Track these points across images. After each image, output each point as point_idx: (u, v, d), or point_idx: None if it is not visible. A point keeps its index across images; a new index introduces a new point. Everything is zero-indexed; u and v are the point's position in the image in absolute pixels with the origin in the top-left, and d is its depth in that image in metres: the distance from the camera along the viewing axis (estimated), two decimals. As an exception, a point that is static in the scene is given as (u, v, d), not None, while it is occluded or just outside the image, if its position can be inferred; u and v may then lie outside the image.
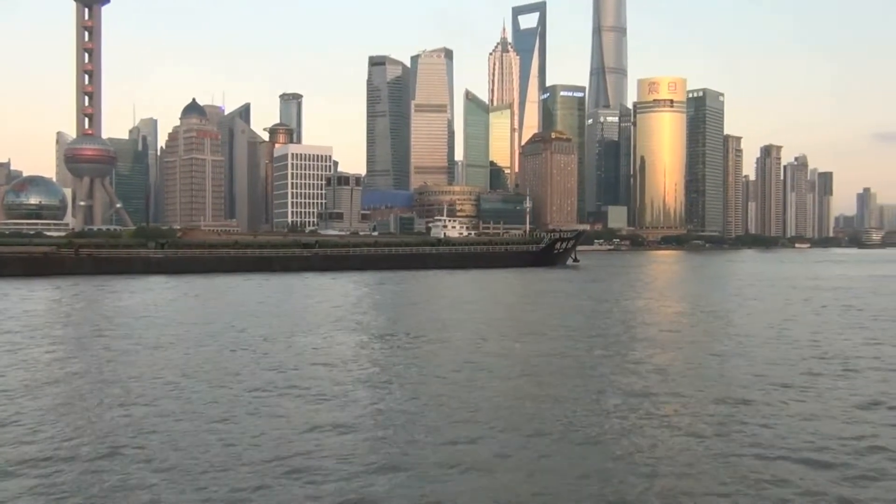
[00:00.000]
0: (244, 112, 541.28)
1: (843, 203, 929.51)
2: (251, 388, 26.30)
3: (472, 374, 29.25)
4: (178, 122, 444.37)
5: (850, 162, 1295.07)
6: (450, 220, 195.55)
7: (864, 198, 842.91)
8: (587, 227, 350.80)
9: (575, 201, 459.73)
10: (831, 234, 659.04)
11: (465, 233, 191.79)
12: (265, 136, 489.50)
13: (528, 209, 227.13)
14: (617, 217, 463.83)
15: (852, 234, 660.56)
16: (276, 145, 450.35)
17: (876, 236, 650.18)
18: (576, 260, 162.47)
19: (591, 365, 31.53)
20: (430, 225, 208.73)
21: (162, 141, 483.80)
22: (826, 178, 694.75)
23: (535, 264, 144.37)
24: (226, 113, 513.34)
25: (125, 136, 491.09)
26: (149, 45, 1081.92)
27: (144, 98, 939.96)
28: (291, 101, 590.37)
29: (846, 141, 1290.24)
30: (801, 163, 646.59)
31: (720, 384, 27.09)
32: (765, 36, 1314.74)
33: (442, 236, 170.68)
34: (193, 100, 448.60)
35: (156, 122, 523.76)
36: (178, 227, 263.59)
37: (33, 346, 36.46)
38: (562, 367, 31.05)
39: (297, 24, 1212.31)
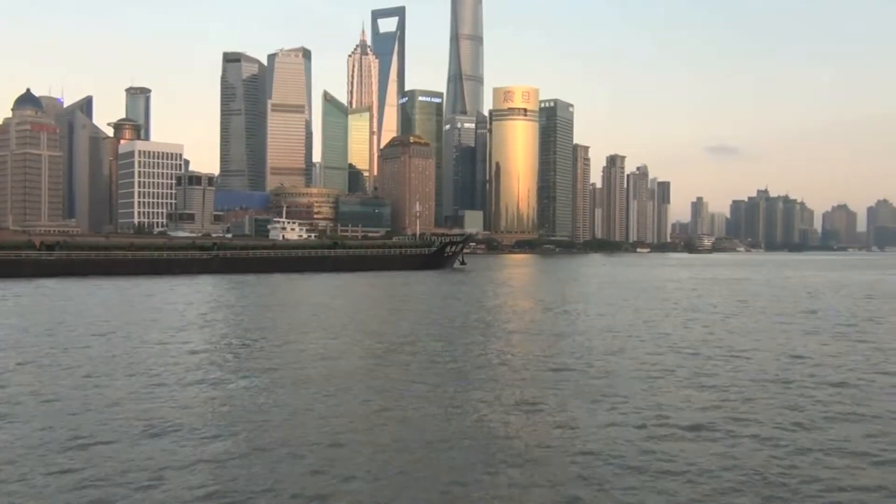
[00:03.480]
0: (86, 105, 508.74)
1: (678, 210, 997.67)
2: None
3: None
4: (9, 114, 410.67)
5: (686, 172, 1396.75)
6: (288, 223, 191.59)
7: (698, 206, 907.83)
8: (474, 231, 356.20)
9: (433, 205, 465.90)
10: (668, 240, 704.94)
11: (305, 235, 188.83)
12: (109, 132, 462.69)
13: (417, 214, 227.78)
14: (473, 221, 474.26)
15: (687, 240, 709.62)
16: (122, 141, 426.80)
17: (707, 242, 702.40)
18: (463, 263, 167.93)
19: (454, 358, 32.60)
20: (269, 227, 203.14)
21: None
22: (664, 187, 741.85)
23: (426, 267, 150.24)
24: (65, 106, 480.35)
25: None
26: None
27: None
28: (139, 96, 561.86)
29: (682, 153, 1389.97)
30: (642, 172, 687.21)
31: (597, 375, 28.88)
32: (611, 52, 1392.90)
33: (280, 238, 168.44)
34: (28, 90, 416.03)
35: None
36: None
37: None
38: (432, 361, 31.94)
39: (146, 14, 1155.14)
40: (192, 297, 75.24)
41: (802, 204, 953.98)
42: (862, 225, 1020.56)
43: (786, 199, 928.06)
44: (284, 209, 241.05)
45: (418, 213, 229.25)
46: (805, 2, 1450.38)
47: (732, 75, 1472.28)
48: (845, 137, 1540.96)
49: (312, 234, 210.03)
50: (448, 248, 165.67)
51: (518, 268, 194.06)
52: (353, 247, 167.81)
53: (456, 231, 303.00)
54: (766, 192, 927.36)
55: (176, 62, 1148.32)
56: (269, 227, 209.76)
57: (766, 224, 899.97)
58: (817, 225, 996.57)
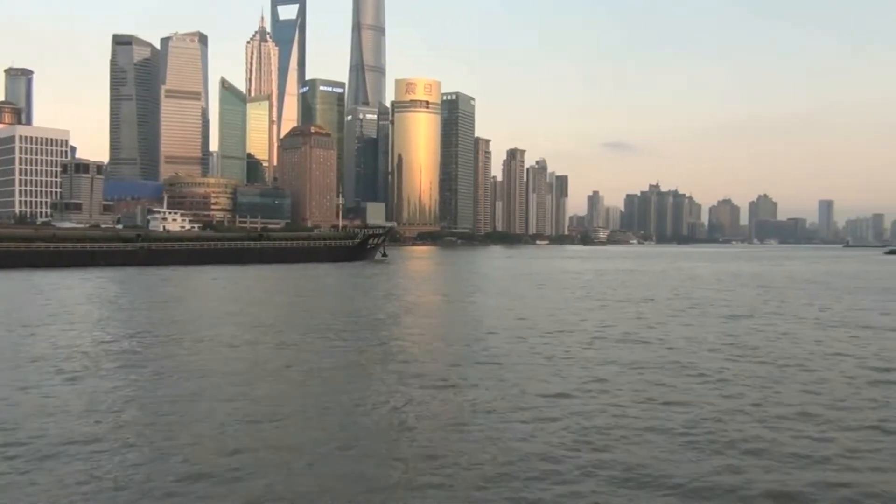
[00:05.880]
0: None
1: (576, 204, 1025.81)
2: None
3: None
4: None
5: (583, 167, 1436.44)
6: (170, 213, 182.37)
7: (594, 200, 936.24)
8: (394, 224, 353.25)
9: (334, 196, 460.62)
10: (566, 232, 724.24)
11: (188, 226, 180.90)
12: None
13: (340, 205, 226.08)
14: (375, 213, 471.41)
15: (583, 233, 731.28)
16: (1, 126, 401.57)
17: (603, 235, 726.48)
18: (384, 255, 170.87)
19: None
20: (149, 218, 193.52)
21: None
22: (562, 181, 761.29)
23: (349, 259, 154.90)
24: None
25: None
26: None
27: None
28: (19, 78, 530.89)
29: (579, 148, 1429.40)
30: (541, 166, 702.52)
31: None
32: (512, 48, 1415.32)
33: (162, 230, 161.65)
34: None
35: None
36: None
37: None
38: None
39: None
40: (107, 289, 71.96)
41: (691, 198, 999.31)
42: (744, 218, 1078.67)
43: (676, 194, 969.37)
44: (166, 199, 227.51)
45: (341, 205, 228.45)
46: (697, 2, 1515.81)
47: (627, 74, 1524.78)
48: (731, 136, 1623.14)
49: (196, 226, 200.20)
50: (371, 241, 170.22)
51: (427, 260, 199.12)
52: (278, 239, 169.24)
53: (378, 224, 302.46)
54: (657, 186, 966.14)
55: (61, 43, 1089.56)
56: (149, 217, 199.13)
57: (657, 217, 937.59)
58: (704, 218, 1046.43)
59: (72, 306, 55.69)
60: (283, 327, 44.21)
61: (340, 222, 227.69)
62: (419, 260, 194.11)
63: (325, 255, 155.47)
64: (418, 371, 29.90)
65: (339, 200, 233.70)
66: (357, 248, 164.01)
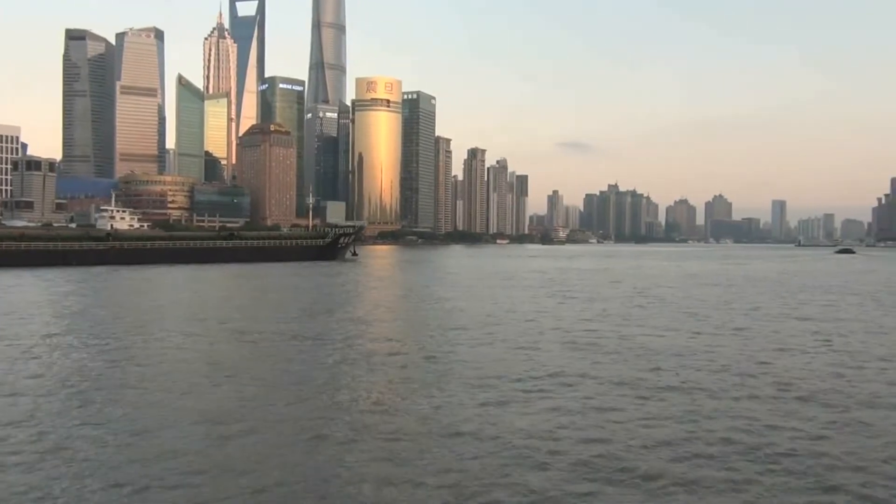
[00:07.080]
0: None
1: (536, 203, 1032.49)
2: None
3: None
4: None
5: (542, 166, 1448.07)
6: (118, 211, 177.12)
7: (553, 199, 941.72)
8: (365, 223, 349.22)
9: (294, 195, 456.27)
10: (526, 232, 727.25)
11: (137, 225, 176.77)
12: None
13: (311, 205, 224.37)
14: (336, 212, 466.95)
15: (543, 232, 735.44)
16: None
17: (562, 234, 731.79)
18: (354, 254, 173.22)
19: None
20: (97, 216, 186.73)
21: None
22: (523, 181, 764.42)
23: (320, 258, 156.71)
24: None
25: None
26: None
27: None
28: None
29: (539, 147, 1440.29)
30: (501, 166, 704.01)
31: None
32: (472, 48, 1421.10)
33: (109, 228, 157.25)
34: None
35: None
36: None
37: None
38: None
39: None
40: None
41: (648, 198, 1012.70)
42: (700, 218, 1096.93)
43: (634, 194, 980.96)
44: (114, 197, 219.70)
45: (311, 204, 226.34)
46: (652, 5, 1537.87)
47: (583, 74, 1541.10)
48: (688, 137, 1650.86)
49: (146, 224, 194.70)
50: (341, 240, 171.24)
51: (392, 259, 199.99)
52: (249, 238, 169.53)
53: (347, 223, 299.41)
54: (616, 186, 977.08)
55: (11, 37, 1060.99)
56: (96, 215, 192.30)
57: (616, 217, 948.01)
58: (661, 218, 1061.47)
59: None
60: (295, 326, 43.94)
61: (311, 222, 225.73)
62: (384, 259, 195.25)
63: (296, 254, 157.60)
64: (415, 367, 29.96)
65: (310, 200, 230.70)
66: (328, 247, 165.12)
